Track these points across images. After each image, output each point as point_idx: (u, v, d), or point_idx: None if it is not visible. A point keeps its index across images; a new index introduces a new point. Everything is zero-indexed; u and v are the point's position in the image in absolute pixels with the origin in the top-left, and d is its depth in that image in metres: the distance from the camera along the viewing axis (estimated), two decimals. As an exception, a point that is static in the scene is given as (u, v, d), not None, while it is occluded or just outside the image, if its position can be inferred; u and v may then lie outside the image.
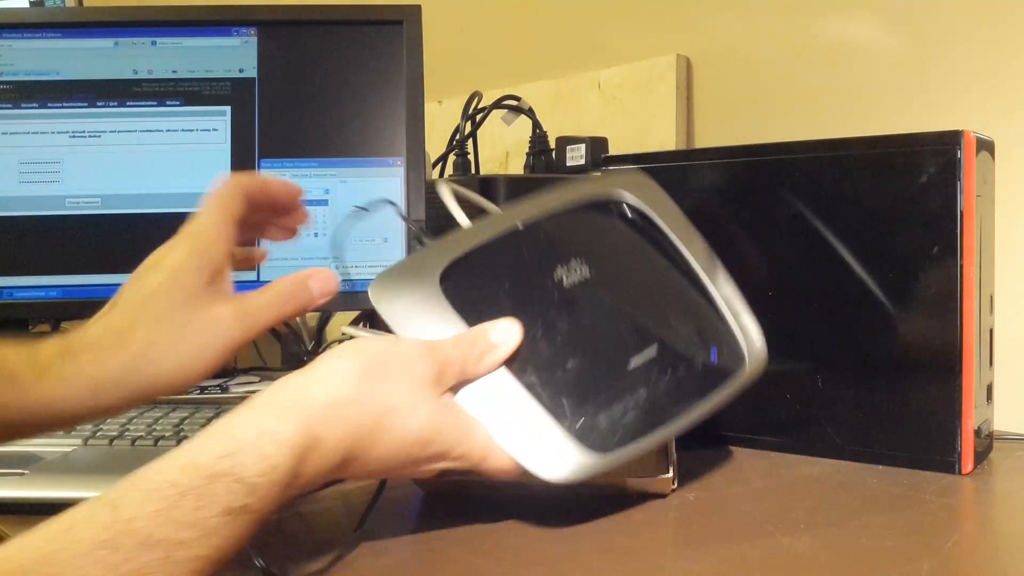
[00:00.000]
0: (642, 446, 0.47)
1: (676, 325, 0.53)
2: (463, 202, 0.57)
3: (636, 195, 0.56)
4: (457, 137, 1.17)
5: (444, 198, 0.57)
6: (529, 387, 0.47)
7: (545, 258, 0.52)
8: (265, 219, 0.53)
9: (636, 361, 0.49)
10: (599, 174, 0.59)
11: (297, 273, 0.50)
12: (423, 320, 0.48)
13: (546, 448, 0.46)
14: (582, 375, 0.48)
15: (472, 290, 0.50)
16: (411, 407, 0.43)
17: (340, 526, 0.52)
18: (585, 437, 0.46)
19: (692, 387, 0.50)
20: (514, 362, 0.47)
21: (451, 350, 0.46)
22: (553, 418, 0.46)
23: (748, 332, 0.54)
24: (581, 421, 0.47)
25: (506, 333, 0.47)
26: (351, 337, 0.52)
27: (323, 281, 0.50)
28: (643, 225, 0.55)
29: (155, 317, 0.45)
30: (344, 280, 0.84)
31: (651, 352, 0.50)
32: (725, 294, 0.55)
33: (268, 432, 0.37)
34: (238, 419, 0.39)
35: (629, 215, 0.56)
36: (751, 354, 0.53)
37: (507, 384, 0.47)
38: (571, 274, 0.51)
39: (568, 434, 0.46)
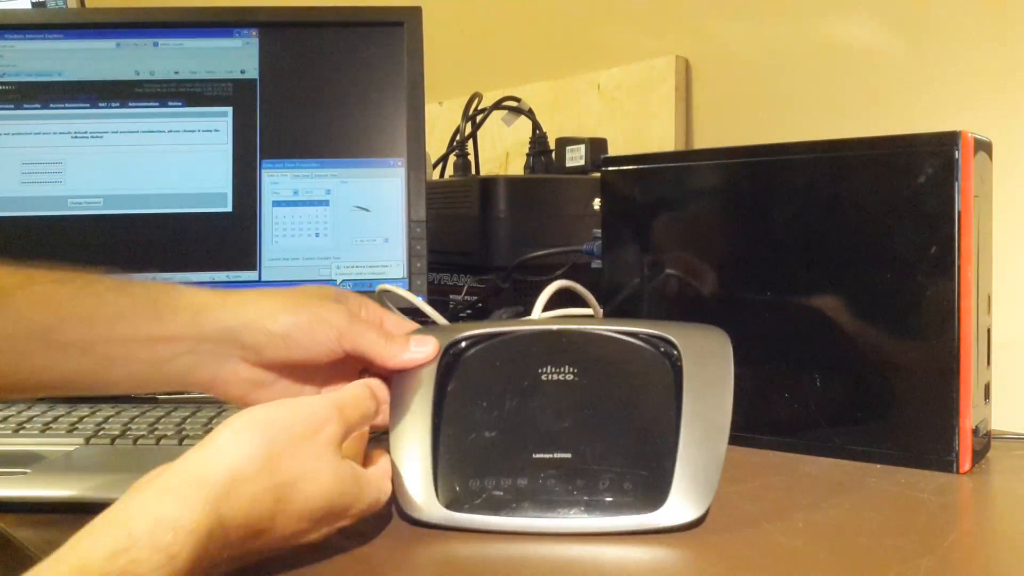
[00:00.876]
0: (492, 523, 0.48)
1: (613, 450, 0.51)
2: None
3: (689, 346, 0.53)
4: (457, 138, 1.18)
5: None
6: (434, 430, 0.51)
7: (548, 356, 0.54)
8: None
9: (542, 455, 0.50)
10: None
11: None
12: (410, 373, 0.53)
13: (413, 483, 0.50)
14: (486, 444, 0.51)
15: (464, 361, 0.54)
16: (315, 474, 0.42)
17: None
18: (443, 489, 0.50)
19: (579, 503, 0.49)
20: (446, 409, 0.52)
21: (353, 411, 0.47)
22: (432, 463, 0.50)
23: (695, 491, 0.49)
24: (452, 477, 0.50)
25: (384, 391, 0.51)
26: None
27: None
28: (670, 367, 0.53)
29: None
30: (345, 280, 0.85)
31: (564, 454, 0.50)
32: (696, 450, 0.50)
33: (166, 520, 0.35)
34: (132, 507, 0.36)
35: (663, 351, 0.54)
36: (678, 509, 0.48)
37: (421, 419, 0.51)
38: (556, 374, 0.53)
39: (432, 480, 0.50)
